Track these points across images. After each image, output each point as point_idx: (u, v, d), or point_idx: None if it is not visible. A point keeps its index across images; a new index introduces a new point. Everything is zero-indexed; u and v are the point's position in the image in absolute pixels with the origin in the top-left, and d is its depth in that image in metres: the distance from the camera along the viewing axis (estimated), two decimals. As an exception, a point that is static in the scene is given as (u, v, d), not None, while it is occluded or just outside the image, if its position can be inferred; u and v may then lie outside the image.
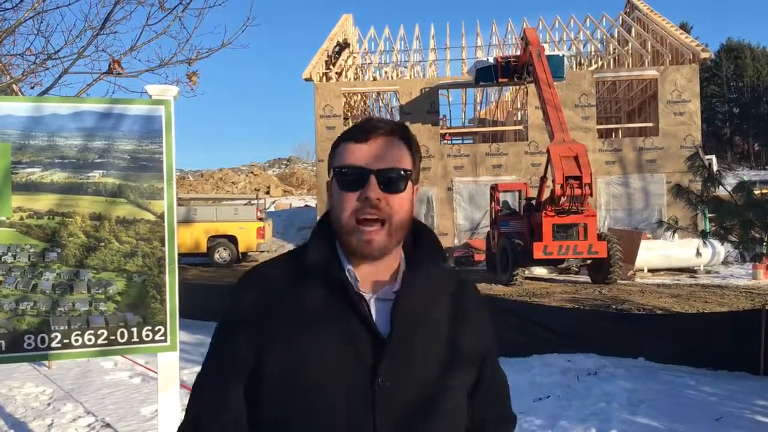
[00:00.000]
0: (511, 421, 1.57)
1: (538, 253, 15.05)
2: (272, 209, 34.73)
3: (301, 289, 1.32)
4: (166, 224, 4.13)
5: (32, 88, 6.75)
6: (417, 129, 23.76)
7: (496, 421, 1.52)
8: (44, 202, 3.95)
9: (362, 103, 31.24)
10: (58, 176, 3.99)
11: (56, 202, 3.97)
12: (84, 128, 4.05)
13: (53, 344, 3.90)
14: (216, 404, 1.34)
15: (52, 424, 5.85)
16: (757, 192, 8.56)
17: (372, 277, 1.35)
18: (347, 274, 1.32)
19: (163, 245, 4.12)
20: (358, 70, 27.66)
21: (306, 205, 36.65)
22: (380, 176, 1.31)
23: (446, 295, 1.42)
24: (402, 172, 1.33)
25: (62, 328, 3.91)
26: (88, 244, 4.00)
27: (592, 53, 27.84)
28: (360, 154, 1.32)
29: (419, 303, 1.34)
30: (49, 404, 6.45)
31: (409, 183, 1.35)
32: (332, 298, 1.30)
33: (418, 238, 1.43)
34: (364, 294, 1.32)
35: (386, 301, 1.33)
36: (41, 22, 6.45)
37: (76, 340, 3.92)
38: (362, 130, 1.35)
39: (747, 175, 37.64)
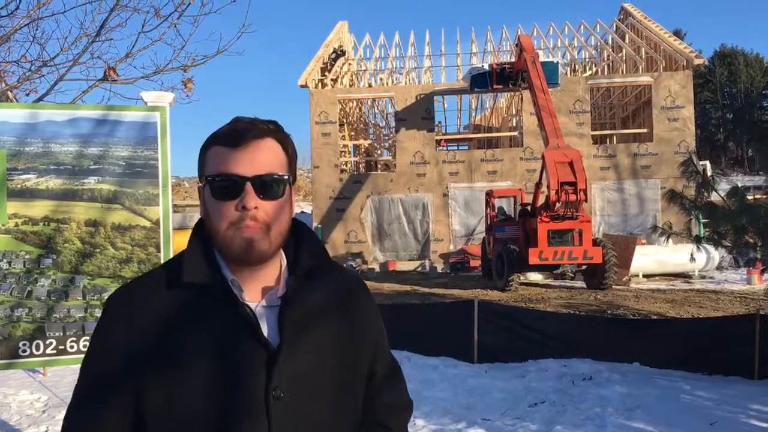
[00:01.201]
0: (409, 409, 1.54)
1: (533, 259, 15.07)
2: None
3: (181, 307, 1.24)
4: (161, 230, 4.14)
5: (27, 95, 6.76)
6: (412, 135, 23.82)
7: (395, 410, 1.49)
8: (39, 208, 3.96)
9: (357, 110, 31.28)
10: (54, 183, 3.99)
11: (51, 209, 3.98)
12: (79, 135, 4.06)
13: (48, 351, 3.89)
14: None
15: (47, 431, 5.83)
16: (750, 197, 8.60)
17: (255, 285, 1.30)
18: (231, 284, 1.26)
19: (159, 251, 4.12)
20: (354, 76, 27.70)
21: (302, 211, 36.64)
22: (256, 183, 1.24)
23: (333, 294, 1.37)
24: (278, 177, 1.27)
25: (57, 334, 3.91)
26: (84, 250, 4.01)
27: (587, 60, 27.94)
28: (233, 160, 1.24)
29: (306, 307, 1.30)
30: (44, 411, 6.42)
31: (287, 186, 1.30)
32: (217, 311, 1.24)
33: (300, 240, 1.38)
34: (249, 303, 1.27)
35: (272, 308, 1.29)
36: (37, 29, 6.47)
37: (72, 347, 3.92)
38: (234, 134, 1.27)
39: (741, 180, 37.78)
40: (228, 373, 1.20)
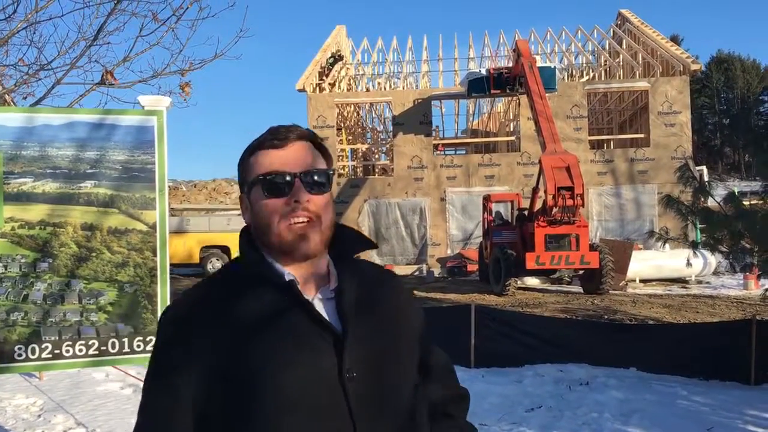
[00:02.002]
0: (467, 398, 1.63)
1: (530, 264, 15.08)
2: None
3: (244, 304, 1.29)
4: (158, 234, 4.13)
5: (25, 98, 6.75)
6: (410, 140, 23.84)
7: (454, 399, 1.58)
8: (36, 212, 3.95)
9: (355, 114, 31.29)
10: (50, 186, 3.99)
11: (48, 213, 3.97)
12: (76, 138, 4.06)
13: (44, 355, 3.88)
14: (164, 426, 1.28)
15: (42, 435, 5.80)
16: (746, 202, 8.61)
17: (308, 280, 1.36)
18: (286, 277, 1.31)
19: (155, 255, 4.12)
20: (351, 81, 27.73)
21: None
22: (305, 178, 1.32)
23: (379, 284, 1.45)
24: (324, 173, 1.36)
25: (53, 338, 3.90)
26: (80, 254, 4.00)
27: (584, 65, 28.01)
28: (280, 159, 1.32)
29: (360, 295, 1.36)
30: (39, 416, 6.40)
31: (331, 183, 1.38)
32: (280, 305, 1.29)
33: (340, 233, 1.43)
34: (307, 297, 1.32)
35: (328, 300, 1.35)
36: (34, 33, 6.47)
37: (67, 351, 3.91)
38: (276, 136, 1.35)
39: (737, 185, 37.87)
40: (303, 361, 1.25)
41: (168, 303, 4.06)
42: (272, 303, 1.29)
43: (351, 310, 1.32)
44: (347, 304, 1.33)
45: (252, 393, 1.23)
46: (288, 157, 1.33)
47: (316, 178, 1.33)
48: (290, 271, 1.33)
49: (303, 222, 1.30)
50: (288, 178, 1.31)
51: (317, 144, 1.40)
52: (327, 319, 1.30)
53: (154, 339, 1.37)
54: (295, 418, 1.23)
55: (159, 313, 4.07)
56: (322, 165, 1.37)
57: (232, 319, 1.27)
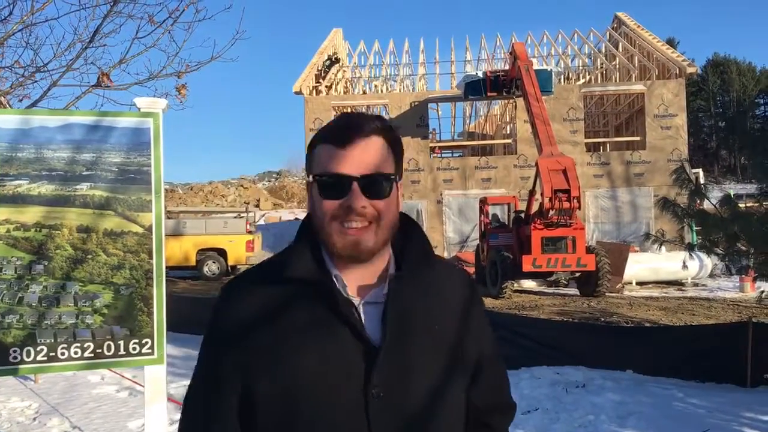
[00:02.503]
0: (512, 409, 1.53)
1: (527, 266, 15.08)
2: (262, 222, 34.65)
3: (286, 300, 1.27)
4: (153, 237, 4.13)
5: (20, 100, 6.73)
6: (407, 142, 23.83)
7: (497, 409, 1.48)
8: (31, 214, 3.94)
9: (352, 117, 31.24)
10: (46, 188, 3.98)
11: (43, 215, 3.96)
12: (72, 141, 4.05)
13: (39, 357, 3.87)
14: (206, 419, 1.29)
15: (37, 438, 5.79)
16: (742, 205, 8.63)
17: (360, 281, 1.30)
18: (335, 280, 1.27)
19: (151, 258, 4.11)
20: (348, 83, 27.75)
21: (296, 219, 36.61)
22: (363, 183, 1.24)
23: (438, 294, 1.36)
24: (385, 176, 1.27)
25: (48, 341, 3.89)
26: (75, 256, 3.99)
27: (580, 68, 28.08)
28: (340, 159, 1.25)
29: (411, 305, 1.29)
30: (35, 419, 6.39)
31: (394, 184, 1.30)
32: (320, 306, 1.25)
33: (407, 234, 1.37)
34: (352, 299, 1.27)
35: (377, 305, 1.28)
36: (30, 35, 6.46)
37: (63, 354, 3.90)
38: (341, 132, 1.27)
39: (733, 188, 37.96)
40: (329, 370, 1.21)
41: (163, 306, 4.05)
42: (316, 307, 1.25)
43: (396, 321, 1.25)
44: (392, 314, 1.26)
45: (279, 401, 1.22)
46: (349, 158, 1.25)
47: (374, 182, 1.26)
48: (340, 269, 1.29)
49: (356, 227, 1.25)
50: (344, 181, 1.24)
51: (388, 140, 1.31)
52: (366, 326, 1.25)
53: (210, 320, 1.36)
54: (313, 427, 1.21)
55: (155, 316, 4.06)
56: (387, 167, 1.28)
57: (279, 323, 1.26)
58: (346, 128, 1.27)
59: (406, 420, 1.23)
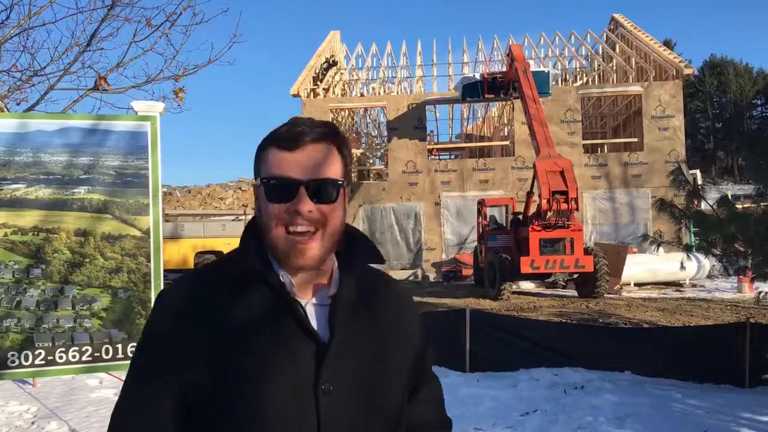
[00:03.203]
0: (448, 426, 1.55)
1: (525, 268, 15.10)
2: (260, 225, 34.56)
3: (233, 299, 1.26)
4: (151, 240, 4.13)
5: (18, 104, 6.73)
6: (404, 144, 23.87)
7: (434, 426, 1.51)
8: (29, 218, 3.94)
9: (350, 119, 31.32)
10: (43, 192, 3.98)
11: (41, 218, 3.96)
12: (69, 144, 4.05)
13: (37, 361, 3.87)
14: (135, 421, 1.27)
15: (35, 442, 5.78)
16: (739, 206, 8.65)
17: (307, 283, 1.31)
18: (282, 279, 1.27)
19: (149, 261, 4.11)
20: (346, 86, 27.76)
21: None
22: (311, 187, 1.24)
23: (382, 300, 1.39)
24: (333, 181, 1.27)
25: (46, 344, 3.89)
26: (73, 260, 3.99)
27: (578, 69, 28.11)
28: (288, 163, 1.25)
29: (356, 307, 1.31)
30: (33, 423, 6.37)
31: (341, 190, 1.30)
32: (269, 305, 1.25)
33: (352, 242, 1.38)
34: (300, 300, 1.28)
35: (323, 306, 1.30)
36: (27, 39, 6.46)
37: (61, 357, 3.90)
38: (290, 136, 1.26)
39: (730, 189, 38.02)
40: (278, 365, 1.21)
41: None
42: (263, 304, 1.25)
43: (342, 320, 1.27)
44: (340, 313, 1.28)
45: (226, 397, 1.21)
46: (297, 162, 1.25)
47: (322, 186, 1.26)
48: (287, 271, 1.28)
49: (302, 231, 1.25)
50: (291, 185, 1.24)
51: (338, 144, 1.31)
52: (314, 325, 1.26)
53: (147, 322, 1.33)
54: (261, 426, 1.20)
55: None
56: (335, 171, 1.28)
57: (223, 319, 1.24)
58: (295, 132, 1.27)
59: (355, 416, 1.25)
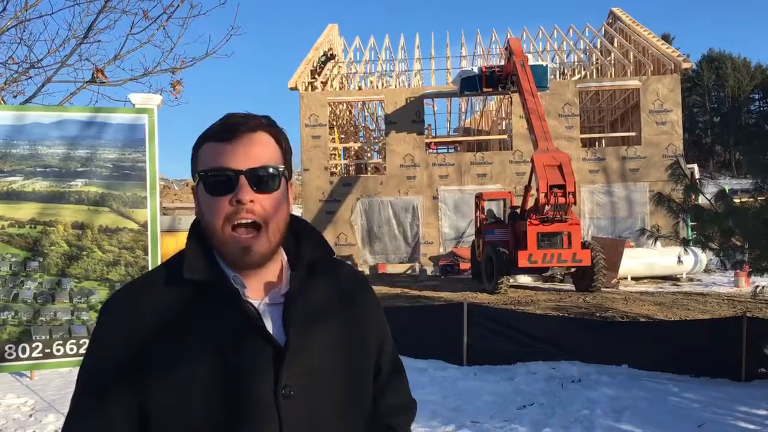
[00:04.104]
0: (412, 408, 1.54)
1: (522, 262, 15.11)
2: (257, 218, 34.54)
3: (182, 306, 1.21)
4: (149, 233, 4.12)
5: (15, 96, 6.70)
6: (402, 138, 23.84)
7: (399, 409, 1.48)
8: (26, 210, 3.93)
9: (347, 113, 31.28)
10: (40, 185, 3.97)
11: (38, 211, 3.95)
12: (66, 137, 4.04)
13: (35, 354, 3.87)
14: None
15: (33, 435, 5.78)
16: (737, 200, 8.66)
17: (257, 282, 1.27)
18: (232, 281, 1.23)
19: (147, 254, 4.10)
20: (344, 79, 27.71)
21: (291, 214, 36.50)
22: (251, 176, 1.21)
23: (337, 290, 1.35)
24: (273, 170, 1.24)
25: (44, 337, 3.88)
26: (71, 253, 3.98)
27: (576, 63, 28.09)
28: (226, 154, 1.22)
29: (310, 303, 1.28)
30: (30, 415, 6.38)
31: (283, 180, 1.27)
32: (221, 310, 1.21)
33: (300, 234, 1.35)
34: (252, 301, 1.24)
35: (275, 306, 1.26)
36: (24, 31, 6.42)
37: (58, 350, 3.89)
38: (225, 128, 1.24)
39: (728, 183, 38.07)
40: (235, 373, 1.17)
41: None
42: (216, 311, 1.21)
43: (297, 320, 1.23)
44: (294, 313, 1.24)
45: (182, 409, 1.16)
46: (235, 152, 1.22)
47: (262, 174, 1.23)
48: (237, 271, 1.25)
49: (246, 225, 1.21)
50: (231, 175, 1.21)
51: (275, 135, 1.28)
52: (269, 327, 1.22)
53: (92, 339, 1.26)
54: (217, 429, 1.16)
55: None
56: (275, 160, 1.26)
57: (174, 328, 1.19)
58: (231, 124, 1.24)
59: (316, 417, 1.22)
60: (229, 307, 1.21)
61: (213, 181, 1.22)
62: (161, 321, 1.20)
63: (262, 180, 1.23)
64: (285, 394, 1.18)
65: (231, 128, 1.23)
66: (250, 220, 1.21)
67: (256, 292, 1.26)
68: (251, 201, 1.21)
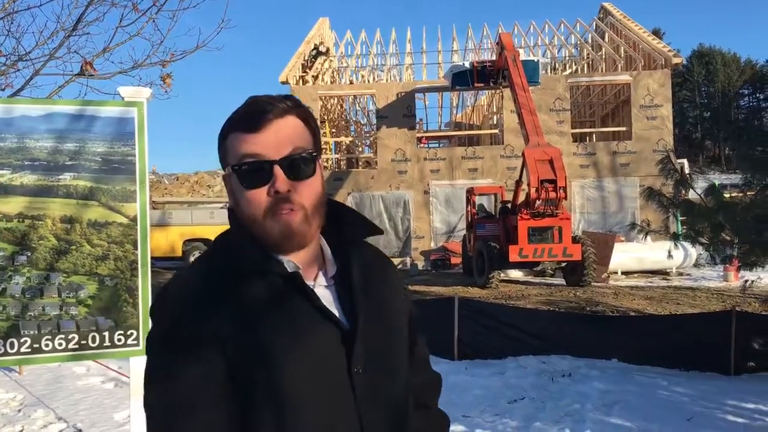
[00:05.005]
0: (439, 382, 1.61)
1: (513, 256, 15.14)
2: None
3: (254, 294, 1.20)
4: (138, 227, 4.09)
5: (2, 89, 6.64)
6: (394, 132, 23.81)
7: (430, 385, 1.56)
8: (14, 204, 3.90)
9: (339, 107, 31.21)
10: (29, 178, 3.93)
11: (26, 205, 3.92)
12: (55, 130, 4.00)
13: (23, 349, 3.84)
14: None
15: (22, 430, 5.75)
16: (726, 195, 8.69)
17: (307, 264, 1.28)
18: (287, 267, 1.22)
19: (136, 248, 4.08)
20: (335, 73, 27.63)
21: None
22: (285, 164, 1.20)
23: (375, 267, 1.37)
24: (307, 155, 1.23)
25: (32, 332, 3.85)
26: (59, 247, 3.95)
27: (567, 58, 28.11)
28: (255, 144, 1.19)
29: (360, 283, 1.29)
30: (19, 410, 6.34)
31: (317, 163, 1.26)
32: (285, 296, 1.21)
33: (341, 216, 1.35)
34: (309, 284, 1.25)
35: (327, 288, 1.28)
36: (12, 23, 6.35)
37: (47, 345, 3.86)
38: (252, 116, 1.21)
39: (718, 178, 38.25)
40: (312, 356, 1.19)
41: (149, 297, 4.02)
42: (278, 295, 1.21)
43: (361, 302, 1.26)
44: (350, 294, 1.27)
45: (264, 384, 1.16)
46: (266, 141, 1.20)
47: (297, 161, 1.21)
48: (290, 259, 1.24)
49: (289, 212, 1.20)
50: (265, 166, 1.19)
51: (303, 117, 1.26)
52: (333, 311, 1.24)
53: (151, 325, 1.24)
54: (305, 410, 1.17)
55: (140, 307, 4.03)
56: (306, 143, 1.24)
57: (242, 313, 1.17)
58: (257, 112, 1.21)
59: (383, 390, 1.27)
60: (292, 291, 1.21)
61: (247, 173, 1.20)
62: (226, 305, 1.17)
63: (297, 167, 1.21)
64: (356, 371, 1.22)
65: (258, 116, 1.20)
66: (291, 209, 1.20)
67: (307, 274, 1.27)
68: (288, 190, 1.19)
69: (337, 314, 1.24)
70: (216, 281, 1.21)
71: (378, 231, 1.39)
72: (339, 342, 1.22)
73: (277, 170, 1.19)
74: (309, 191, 1.23)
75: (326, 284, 1.29)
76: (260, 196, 1.20)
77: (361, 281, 1.29)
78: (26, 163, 3.94)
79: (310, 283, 1.25)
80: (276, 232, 1.21)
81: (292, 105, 1.25)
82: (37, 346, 3.85)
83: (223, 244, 1.29)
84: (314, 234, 1.27)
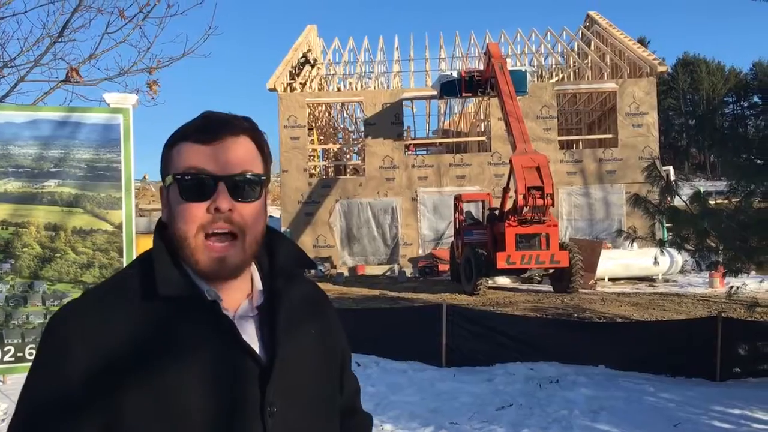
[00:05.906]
0: (370, 427, 1.53)
1: (501, 263, 15.19)
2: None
3: (155, 321, 1.11)
4: (124, 235, 4.06)
5: (-13, 96, 6.58)
6: (381, 140, 23.84)
7: (358, 429, 1.48)
8: (-3, 212, 3.86)
9: (326, 114, 31.22)
10: (12, 185, 3.89)
11: (10, 212, 3.88)
12: (40, 137, 3.97)
13: (7, 358, 3.79)
14: None
15: (5, 441, 5.68)
16: (712, 202, 8.76)
17: (229, 294, 1.18)
18: (207, 294, 1.14)
19: (122, 256, 4.04)
20: (323, 80, 27.65)
21: (270, 216, 36.40)
22: (231, 183, 1.13)
23: (308, 303, 1.31)
24: (255, 177, 1.16)
25: (16, 341, 3.81)
26: (43, 255, 3.91)
27: (553, 66, 28.30)
28: (205, 157, 1.13)
29: (286, 316, 1.21)
30: (3, 420, 6.26)
31: (264, 189, 1.19)
32: (198, 324, 1.12)
33: (273, 242, 1.27)
34: (228, 314, 1.16)
35: (249, 318, 1.20)
36: (-4, 30, 6.30)
37: (31, 354, 3.82)
38: (206, 129, 1.14)
39: (703, 185, 38.54)
40: (221, 391, 1.10)
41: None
42: (193, 324, 1.12)
43: (278, 334, 1.17)
44: (274, 327, 1.18)
45: (164, 428, 1.07)
46: (215, 156, 1.13)
47: (243, 182, 1.14)
48: (208, 283, 1.16)
49: (222, 235, 1.13)
50: (209, 180, 1.12)
51: (257, 141, 1.20)
52: (250, 345, 1.15)
53: (47, 349, 1.14)
54: None
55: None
56: (257, 167, 1.17)
57: (148, 344, 1.09)
58: (212, 125, 1.15)
59: (299, 428, 1.18)
60: (207, 321, 1.13)
61: (189, 185, 1.13)
62: (130, 340, 1.08)
63: (242, 188, 1.14)
64: (270, 412, 1.13)
65: (212, 130, 1.14)
66: (226, 231, 1.14)
67: (229, 303, 1.18)
68: (230, 210, 1.12)
69: (257, 348, 1.16)
70: (114, 307, 1.12)
71: (312, 265, 1.34)
72: (255, 378, 1.13)
73: (222, 187, 1.12)
74: (250, 214, 1.16)
75: (251, 314, 1.21)
76: (198, 211, 1.13)
77: (288, 314, 1.22)
78: (10, 169, 3.90)
79: (230, 313, 1.17)
80: (205, 260, 1.13)
81: (248, 126, 1.19)
82: (21, 354, 3.81)
83: (140, 262, 1.21)
84: (247, 264, 1.19)
